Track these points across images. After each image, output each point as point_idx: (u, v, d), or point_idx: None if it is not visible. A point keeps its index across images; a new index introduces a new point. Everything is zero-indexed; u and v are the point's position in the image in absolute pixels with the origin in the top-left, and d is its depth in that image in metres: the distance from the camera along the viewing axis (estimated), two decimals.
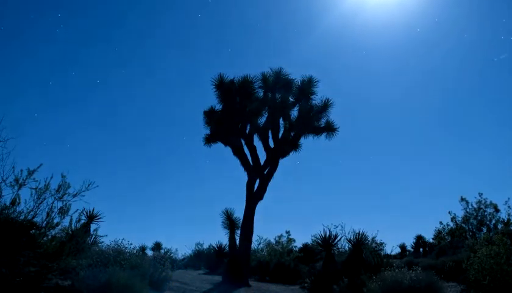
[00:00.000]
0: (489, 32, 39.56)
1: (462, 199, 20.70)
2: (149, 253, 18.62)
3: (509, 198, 19.50)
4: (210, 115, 14.91)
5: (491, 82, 42.44)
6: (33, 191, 8.18)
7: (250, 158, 14.60)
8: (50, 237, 8.71)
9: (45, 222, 8.26)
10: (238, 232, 14.45)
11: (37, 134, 39.02)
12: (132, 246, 10.47)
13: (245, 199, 14.30)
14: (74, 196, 8.73)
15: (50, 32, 39.93)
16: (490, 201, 20.15)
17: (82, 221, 10.93)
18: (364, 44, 44.17)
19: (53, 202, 8.39)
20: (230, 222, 14.75)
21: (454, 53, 43.01)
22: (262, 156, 14.71)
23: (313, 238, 17.78)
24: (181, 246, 39.65)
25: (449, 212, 21.35)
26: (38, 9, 38.69)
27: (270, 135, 14.77)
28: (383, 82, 44.84)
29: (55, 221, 8.44)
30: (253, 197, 14.20)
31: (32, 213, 8.07)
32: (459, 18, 40.50)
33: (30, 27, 38.91)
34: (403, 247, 25.48)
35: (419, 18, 43.19)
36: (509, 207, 19.47)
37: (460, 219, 20.75)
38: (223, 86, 14.58)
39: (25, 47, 38.36)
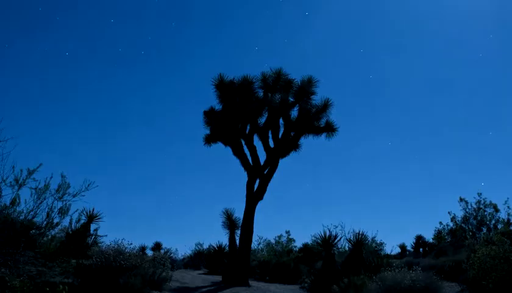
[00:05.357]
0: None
1: (461, 199, 20.72)
2: (149, 252, 18.59)
3: (508, 198, 19.54)
4: (210, 115, 14.93)
5: (489, 80, 42.48)
6: (33, 191, 8.20)
7: (250, 158, 14.61)
8: (50, 237, 8.73)
9: (45, 222, 8.28)
10: (238, 232, 14.45)
11: (37, 134, 38.99)
12: (132, 246, 10.48)
13: (245, 199, 14.31)
14: (74, 196, 8.75)
15: (48, 28, 39.95)
16: (490, 201, 20.18)
17: (82, 221, 10.95)
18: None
19: (53, 202, 8.41)
20: (230, 222, 14.74)
21: (465, 61, 43.05)
22: (262, 156, 14.73)
23: (313, 238, 17.84)
24: (181, 246, 39.64)
25: (449, 212, 21.39)
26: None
27: (270, 135, 14.77)
28: (383, 81, 44.85)
29: (55, 221, 8.46)
30: (253, 197, 14.21)
31: (32, 213, 8.08)
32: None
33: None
34: (403, 247, 25.44)
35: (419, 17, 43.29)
36: (508, 207, 19.49)
37: (460, 219, 20.77)
38: (223, 87, 14.59)
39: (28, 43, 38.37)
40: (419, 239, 23.93)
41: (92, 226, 11.53)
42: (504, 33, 40.18)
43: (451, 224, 21.21)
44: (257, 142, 14.81)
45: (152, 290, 9.33)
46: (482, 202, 20.26)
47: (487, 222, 19.93)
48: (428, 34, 43.49)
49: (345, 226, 17.24)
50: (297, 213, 37.90)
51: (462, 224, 20.60)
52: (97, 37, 42.80)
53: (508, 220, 19.23)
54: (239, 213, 14.61)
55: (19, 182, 8.02)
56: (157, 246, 21.74)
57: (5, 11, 35.57)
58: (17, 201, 7.99)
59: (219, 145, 15.12)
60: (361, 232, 13.26)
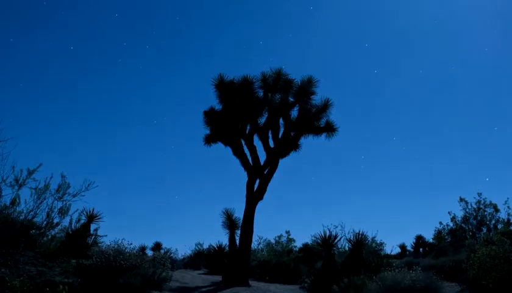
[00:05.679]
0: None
1: (461, 199, 20.73)
2: (149, 252, 18.60)
3: (508, 198, 19.56)
4: (210, 115, 14.93)
5: (490, 78, 42.46)
6: (33, 191, 8.20)
7: (250, 158, 14.61)
8: (50, 237, 8.73)
9: (45, 222, 8.28)
10: (238, 232, 14.46)
11: (37, 134, 38.98)
12: (132, 246, 10.48)
13: (245, 199, 14.32)
14: (74, 196, 8.75)
15: (49, 26, 39.93)
16: (490, 201, 20.19)
17: (82, 221, 10.96)
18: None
19: (53, 202, 8.41)
20: (230, 222, 14.75)
21: (466, 60, 43.06)
22: (262, 156, 14.74)
23: (313, 238, 17.85)
24: (181, 246, 39.62)
25: (449, 212, 21.40)
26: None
27: (270, 135, 14.78)
28: (383, 81, 44.84)
29: (55, 221, 8.46)
30: (253, 197, 14.22)
31: (32, 213, 8.09)
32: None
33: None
34: (403, 247, 25.44)
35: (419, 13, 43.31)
36: (508, 207, 19.50)
37: (460, 219, 20.78)
38: (223, 87, 14.59)
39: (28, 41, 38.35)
40: (419, 239, 23.94)
41: (92, 226, 11.54)
42: (508, 29, 40.11)
43: (451, 224, 21.23)
44: (257, 142, 14.84)
45: (152, 290, 9.33)
46: (482, 202, 20.28)
47: (487, 222, 19.93)
48: (429, 32, 43.51)
49: (345, 226, 17.29)
50: (297, 213, 37.89)
51: (462, 224, 20.60)
52: (99, 35, 42.79)
53: (508, 220, 19.24)
54: (239, 213, 14.64)
55: (19, 182, 8.02)
56: (157, 246, 21.75)
57: (6, 10, 35.58)
58: (17, 201, 7.99)
59: (219, 145, 15.14)
60: (361, 232, 13.26)
